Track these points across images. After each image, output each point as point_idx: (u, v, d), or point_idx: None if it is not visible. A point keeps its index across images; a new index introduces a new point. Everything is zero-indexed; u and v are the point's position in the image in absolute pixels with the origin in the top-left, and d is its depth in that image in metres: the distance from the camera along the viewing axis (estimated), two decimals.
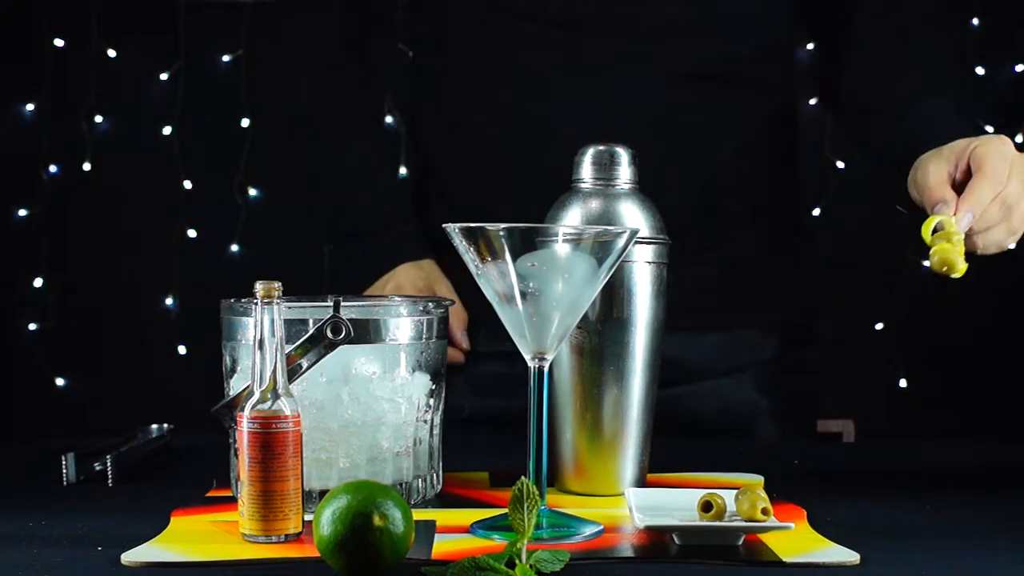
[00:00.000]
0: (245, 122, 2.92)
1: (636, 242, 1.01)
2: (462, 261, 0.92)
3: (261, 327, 0.88)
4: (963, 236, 1.07)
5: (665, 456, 1.11)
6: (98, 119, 2.94)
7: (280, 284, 0.89)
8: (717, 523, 0.88)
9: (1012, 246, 1.17)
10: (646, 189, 1.07)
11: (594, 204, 1.03)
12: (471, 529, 0.91)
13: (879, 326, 3.02)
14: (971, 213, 1.09)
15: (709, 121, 1.36)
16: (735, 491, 0.90)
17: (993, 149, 1.13)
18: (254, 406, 0.87)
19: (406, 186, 1.51)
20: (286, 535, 0.87)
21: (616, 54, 1.33)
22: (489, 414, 1.37)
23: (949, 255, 1.04)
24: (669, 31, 1.34)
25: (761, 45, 1.38)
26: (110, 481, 1.09)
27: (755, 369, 1.43)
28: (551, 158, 1.31)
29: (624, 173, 1.05)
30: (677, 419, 1.31)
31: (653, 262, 1.04)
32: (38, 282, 2.94)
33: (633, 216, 1.03)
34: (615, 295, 1.03)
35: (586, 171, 1.05)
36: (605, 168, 1.04)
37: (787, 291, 1.47)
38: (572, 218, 1.04)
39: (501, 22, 1.37)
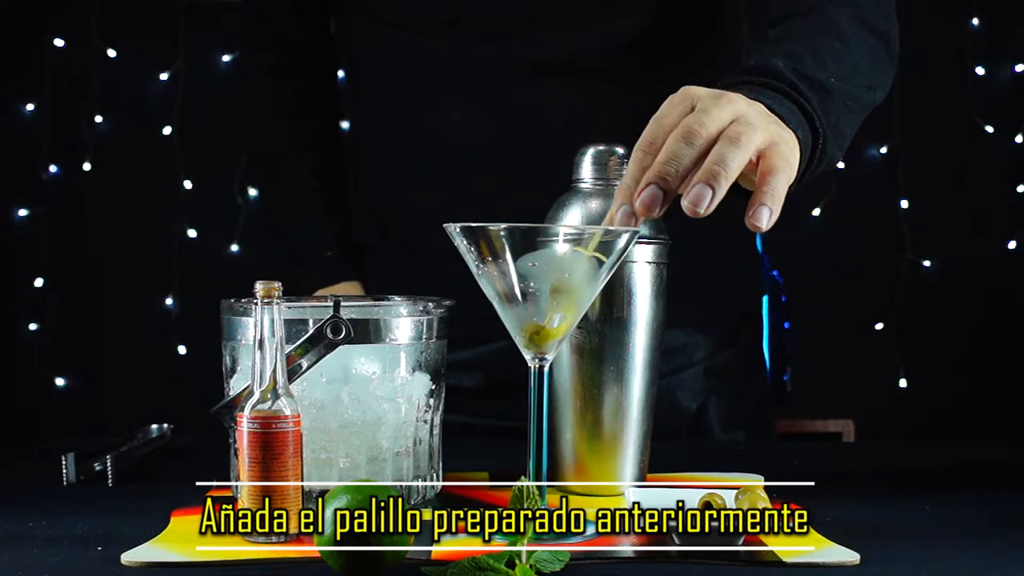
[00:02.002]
0: None
1: (636, 242, 1.01)
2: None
3: (261, 327, 0.88)
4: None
5: (665, 456, 1.11)
6: (98, 119, 2.95)
7: (280, 284, 0.89)
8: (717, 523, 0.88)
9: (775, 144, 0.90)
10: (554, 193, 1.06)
11: (594, 204, 1.03)
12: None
13: (879, 326, 3.03)
14: (624, 204, 0.88)
15: (595, 113, 1.31)
16: (735, 491, 0.90)
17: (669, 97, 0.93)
18: (254, 406, 0.87)
19: (338, 208, 1.52)
20: (286, 535, 0.87)
21: (479, 55, 1.32)
22: (458, 427, 1.30)
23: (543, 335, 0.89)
24: (530, 25, 1.31)
25: (631, 31, 1.31)
26: (110, 481, 1.09)
27: (689, 371, 1.38)
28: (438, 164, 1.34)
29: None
30: None
31: (653, 262, 1.04)
32: (38, 282, 2.94)
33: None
34: (615, 295, 1.03)
35: (586, 171, 1.05)
36: (605, 168, 1.04)
37: (718, 289, 1.40)
38: (572, 218, 1.04)
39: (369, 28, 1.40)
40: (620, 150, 1.05)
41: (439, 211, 0.98)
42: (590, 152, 1.05)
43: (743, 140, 0.86)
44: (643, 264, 1.04)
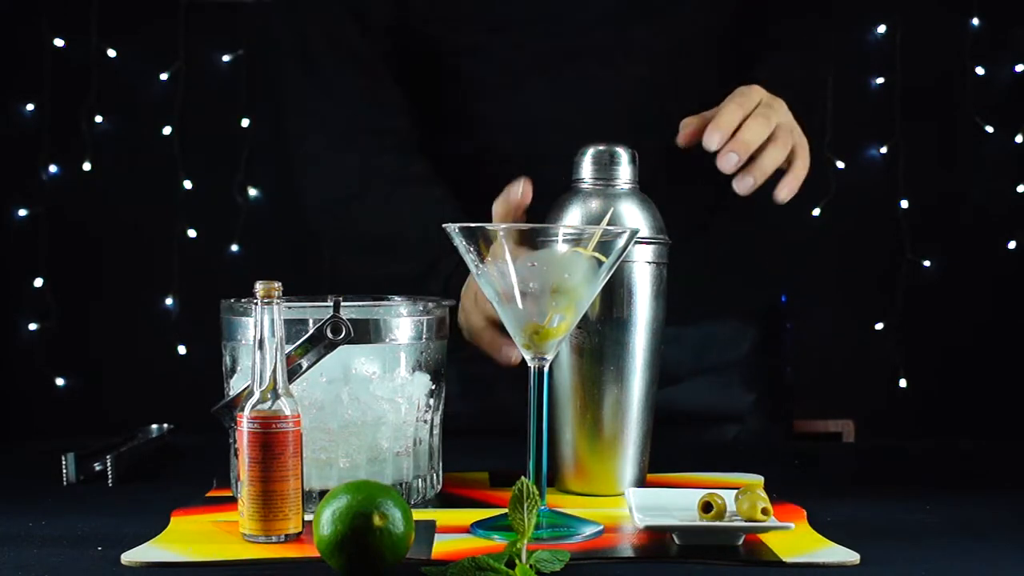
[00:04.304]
0: (245, 122, 2.92)
1: (636, 242, 1.01)
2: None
3: (261, 327, 0.88)
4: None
5: (665, 456, 1.11)
6: (98, 119, 2.94)
7: (280, 284, 0.89)
8: (717, 523, 0.88)
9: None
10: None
11: (594, 204, 1.03)
12: (471, 529, 0.91)
13: (879, 326, 3.03)
14: (718, 131, 1.12)
15: (666, 107, 1.31)
16: (735, 491, 0.90)
17: (741, 88, 1.18)
18: (254, 406, 0.87)
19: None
20: (286, 535, 0.87)
21: (564, 53, 1.31)
22: (483, 418, 1.35)
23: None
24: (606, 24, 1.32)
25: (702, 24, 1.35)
26: (110, 481, 1.09)
27: (737, 364, 1.42)
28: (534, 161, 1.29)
29: (624, 173, 1.04)
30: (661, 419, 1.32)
31: (653, 262, 1.04)
32: (38, 282, 2.94)
33: (633, 216, 1.03)
34: (615, 295, 1.03)
35: (586, 171, 1.05)
36: (605, 168, 1.04)
37: (764, 283, 1.47)
38: (572, 218, 1.04)
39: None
40: (620, 150, 1.05)
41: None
42: (590, 152, 1.05)
43: (786, 146, 1.17)
44: (643, 264, 1.04)
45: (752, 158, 1.14)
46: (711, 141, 1.12)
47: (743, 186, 1.14)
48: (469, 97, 1.35)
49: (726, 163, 1.12)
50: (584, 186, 1.05)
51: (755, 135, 1.13)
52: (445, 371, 1.04)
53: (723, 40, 1.36)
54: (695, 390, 1.39)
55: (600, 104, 1.31)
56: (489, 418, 1.34)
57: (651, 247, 1.04)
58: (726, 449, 1.35)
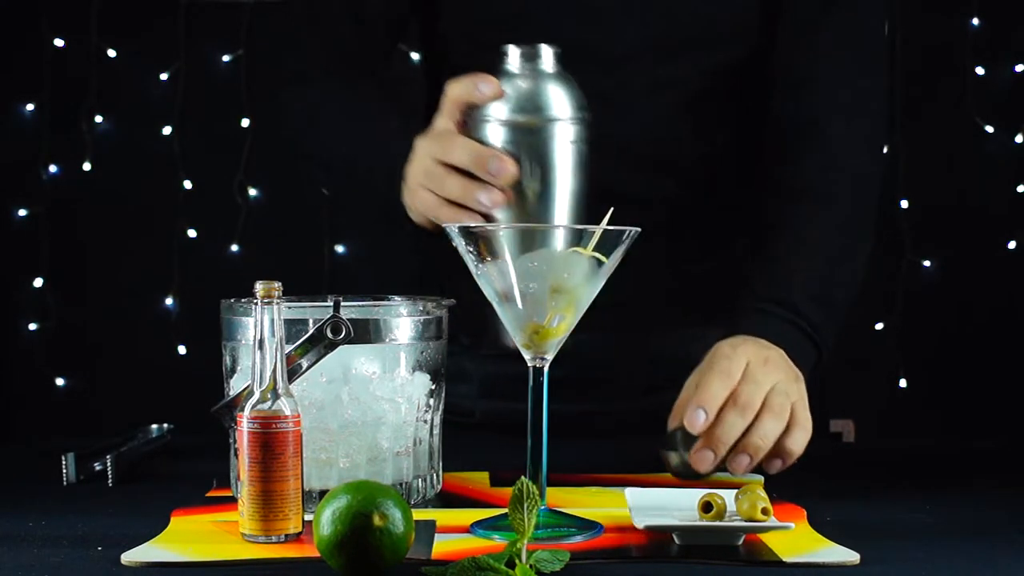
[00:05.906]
0: (245, 122, 2.93)
1: (558, 121, 1.03)
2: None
3: (261, 327, 0.88)
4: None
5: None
6: (98, 119, 2.94)
7: (280, 284, 0.89)
8: (717, 523, 0.88)
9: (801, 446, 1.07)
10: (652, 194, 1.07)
11: (521, 83, 1.04)
12: (471, 529, 0.91)
13: (879, 326, 3.03)
14: (701, 408, 1.03)
15: (700, 121, 1.33)
16: (735, 491, 0.90)
17: (725, 349, 1.09)
18: (254, 406, 0.87)
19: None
20: (286, 535, 0.87)
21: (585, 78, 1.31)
22: (500, 417, 1.35)
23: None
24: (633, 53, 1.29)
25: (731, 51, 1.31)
26: (110, 481, 1.09)
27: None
28: None
29: (547, 56, 1.05)
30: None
31: (575, 141, 1.05)
32: (38, 282, 2.94)
33: (558, 96, 1.04)
34: (535, 173, 1.04)
35: (512, 58, 1.05)
36: (530, 53, 1.05)
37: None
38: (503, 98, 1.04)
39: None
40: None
41: None
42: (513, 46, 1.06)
43: (782, 414, 1.05)
44: (564, 144, 1.04)
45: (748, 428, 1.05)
46: (694, 423, 1.03)
47: (703, 463, 1.04)
48: None
49: (701, 462, 1.04)
50: (510, 67, 1.05)
51: (732, 431, 1.03)
52: (445, 371, 1.05)
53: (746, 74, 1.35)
54: None
55: (622, 140, 1.30)
56: (508, 417, 1.33)
57: (573, 127, 1.04)
58: None
